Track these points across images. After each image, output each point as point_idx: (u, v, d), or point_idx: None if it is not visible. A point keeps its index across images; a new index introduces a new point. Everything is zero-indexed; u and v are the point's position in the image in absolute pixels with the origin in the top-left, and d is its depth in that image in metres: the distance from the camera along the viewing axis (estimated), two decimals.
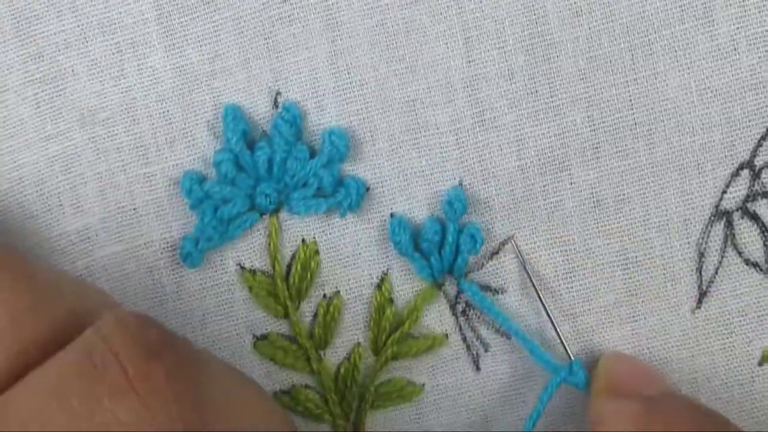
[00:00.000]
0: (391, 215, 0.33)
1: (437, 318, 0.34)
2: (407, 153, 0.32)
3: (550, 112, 0.32)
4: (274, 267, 0.33)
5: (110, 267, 0.33)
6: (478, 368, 0.34)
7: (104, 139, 0.32)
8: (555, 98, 0.32)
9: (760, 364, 0.34)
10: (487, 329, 0.34)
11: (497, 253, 0.33)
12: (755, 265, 0.33)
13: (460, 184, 0.33)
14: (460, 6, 0.31)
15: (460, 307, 0.34)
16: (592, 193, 0.33)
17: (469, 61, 0.32)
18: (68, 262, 0.33)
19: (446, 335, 0.34)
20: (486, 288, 0.33)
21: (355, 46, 0.32)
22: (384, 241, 0.33)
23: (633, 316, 0.33)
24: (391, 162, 0.32)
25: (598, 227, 0.33)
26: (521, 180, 0.33)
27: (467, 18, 0.31)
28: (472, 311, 0.34)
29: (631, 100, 0.32)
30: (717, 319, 0.33)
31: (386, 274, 0.33)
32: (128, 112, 0.32)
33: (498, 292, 0.33)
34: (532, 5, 0.32)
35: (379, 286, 0.33)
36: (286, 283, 0.33)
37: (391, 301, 0.33)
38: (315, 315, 0.34)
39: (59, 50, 0.32)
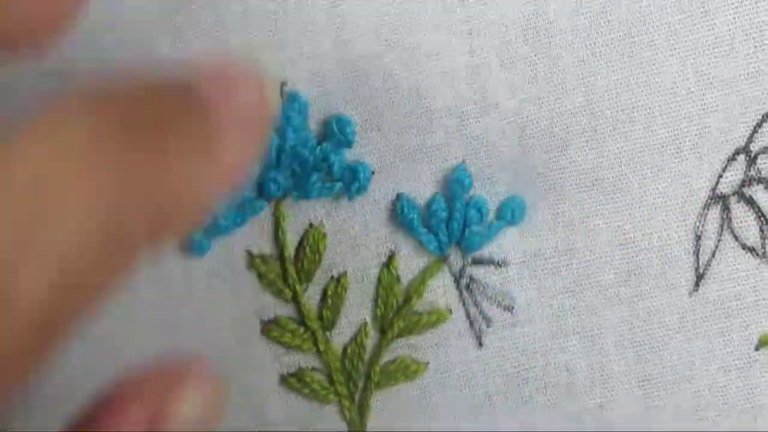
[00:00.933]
0: (398, 195, 0.34)
1: (441, 292, 0.35)
2: (412, 136, 0.34)
3: (550, 96, 0.34)
4: (282, 252, 0.34)
5: None
6: (481, 344, 0.35)
7: None
8: (555, 84, 0.33)
9: (756, 348, 0.34)
10: (490, 303, 0.35)
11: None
12: (752, 249, 0.34)
13: (464, 162, 0.34)
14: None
15: (464, 281, 0.35)
16: (592, 172, 0.34)
17: (471, 51, 0.33)
18: None
19: (450, 310, 0.35)
20: (489, 261, 0.35)
21: (360, 36, 0.33)
22: (391, 221, 0.34)
23: (631, 297, 0.34)
24: (397, 145, 0.34)
25: (597, 206, 0.34)
26: (523, 159, 0.34)
27: (470, 10, 0.33)
28: (475, 285, 0.35)
29: (629, 86, 0.33)
30: (714, 302, 0.34)
31: (394, 253, 0.35)
32: None
33: (501, 266, 0.35)
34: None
35: (387, 265, 0.35)
36: (294, 267, 0.34)
37: (399, 278, 0.35)
38: (323, 297, 0.35)
39: (65, 44, 0.30)
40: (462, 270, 0.35)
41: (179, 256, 0.34)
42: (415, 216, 0.34)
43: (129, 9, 0.33)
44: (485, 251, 0.34)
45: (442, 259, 0.35)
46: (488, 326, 0.35)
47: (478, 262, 0.35)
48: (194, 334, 0.35)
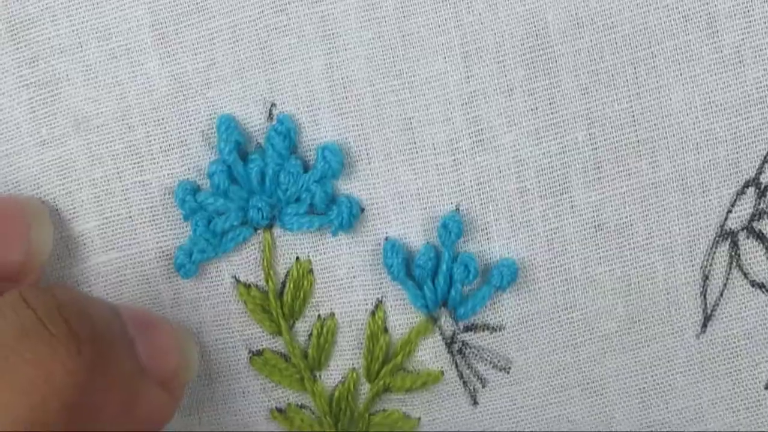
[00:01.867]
0: (386, 239, 0.31)
1: (432, 354, 0.32)
2: (403, 174, 0.31)
3: (550, 129, 0.30)
4: (267, 283, 0.32)
5: (106, 274, 0.32)
6: (475, 402, 0.32)
7: (99, 145, 0.31)
8: (555, 115, 0.30)
9: (766, 387, 0.33)
10: (485, 365, 0.32)
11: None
12: (761, 286, 0.32)
13: (457, 209, 0.31)
14: (458, 19, 0.30)
15: (456, 346, 0.32)
16: (594, 216, 0.31)
17: (468, 77, 0.30)
18: (65, 268, 0.32)
19: (442, 372, 0.32)
20: (484, 327, 0.32)
21: (352, 59, 0.30)
22: (379, 266, 0.31)
23: (635, 344, 0.32)
24: (387, 182, 0.31)
25: (599, 253, 0.31)
26: (520, 204, 0.31)
27: (466, 31, 0.30)
28: (469, 350, 0.32)
29: (633, 117, 0.30)
30: (722, 342, 0.32)
31: (381, 302, 0.32)
32: (123, 120, 0.31)
33: (496, 330, 0.32)
34: (532, 17, 0.30)
35: (373, 314, 0.32)
36: (279, 301, 0.32)
37: (386, 330, 0.32)
38: (310, 335, 0.32)
39: (54, 55, 0.31)
40: (454, 335, 0.32)
41: (168, 277, 0.32)
42: (400, 263, 0.31)
43: (118, 23, 0.31)
44: (478, 316, 0.31)
45: (432, 320, 0.31)
46: (483, 386, 0.32)
47: (471, 329, 0.32)
48: None
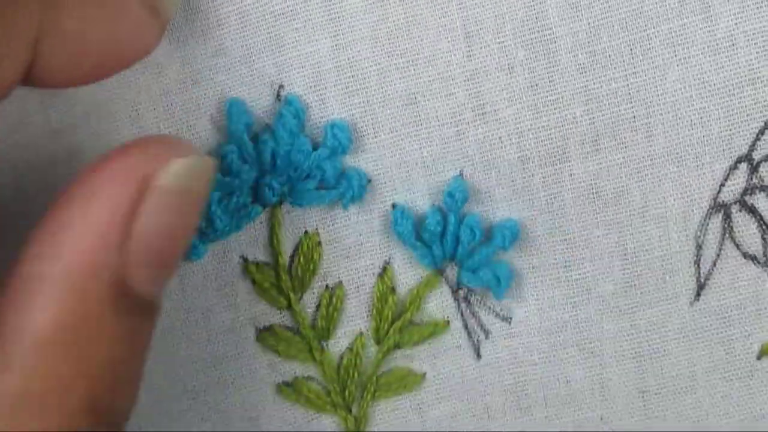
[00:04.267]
0: (393, 206, 0.33)
1: (439, 304, 0.34)
2: (409, 145, 0.33)
3: (549, 105, 0.33)
4: (277, 259, 0.34)
5: None
6: (479, 356, 0.35)
7: (109, 132, 0.33)
8: (554, 91, 0.33)
9: (758, 358, 0.34)
10: (488, 314, 0.34)
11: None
12: (753, 258, 0.33)
13: (461, 175, 0.33)
14: (460, 1, 0.32)
15: (462, 293, 0.34)
16: (592, 184, 0.33)
17: (470, 56, 0.32)
18: None
19: (447, 321, 0.34)
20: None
21: (357, 40, 0.32)
22: (386, 232, 0.34)
23: (631, 308, 0.34)
24: (393, 154, 0.33)
25: (596, 218, 0.33)
26: (521, 171, 0.33)
27: (468, 13, 0.32)
28: (473, 296, 0.34)
29: (630, 94, 0.33)
30: (715, 312, 0.34)
31: (388, 264, 0.34)
32: (133, 106, 0.33)
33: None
34: (532, 0, 0.32)
35: (381, 276, 0.34)
36: (289, 275, 0.34)
37: (393, 290, 0.34)
38: (318, 306, 0.34)
39: None
40: (459, 283, 0.34)
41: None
42: (409, 228, 0.33)
43: None
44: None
45: (438, 272, 0.34)
46: (486, 337, 0.35)
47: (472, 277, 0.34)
48: (188, 339, 0.34)
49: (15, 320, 0.25)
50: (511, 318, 0.34)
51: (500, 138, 0.33)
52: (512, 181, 0.33)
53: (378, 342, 0.35)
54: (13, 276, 0.25)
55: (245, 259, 0.34)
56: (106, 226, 0.25)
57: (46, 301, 0.25)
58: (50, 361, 0.25)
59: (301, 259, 0.34)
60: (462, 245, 0.33)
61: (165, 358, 0.34)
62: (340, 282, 0.34)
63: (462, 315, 0.34)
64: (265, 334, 0.34)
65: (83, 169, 0.26)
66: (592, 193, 0.33)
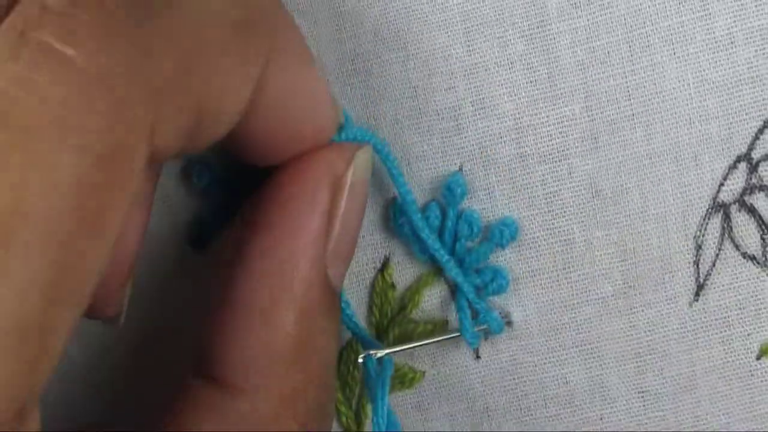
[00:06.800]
0: (392, 200, 0.33)
1: (438, 303, 0.34)
2: (409, 138, 0.33)
3: (549, 101, 0.33)
4: None
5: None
6: (478, 356, 0.34)
7: None
8: (554, 88, 0.33)
9: (758, 358, 0.34)
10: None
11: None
12: (752, 258, 0.33)
13: (461, 170, 0.33)
14: None
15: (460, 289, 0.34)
16: (591, 182, 0.33)
17: (469, 50, 0.33)
18: None
19: (447, 321, 0.34)
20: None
21: (359, 35, 0.33)
22: (386, 226, 0.34)
23: (631, 308, 0.34)
24: (393, 147, 0.33)
25: (596, 218, 0.33)
26: (520, 167, 0.33)
27: (468, 8, 0.32)
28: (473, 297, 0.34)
29: (628, 91, 0.33)
30: (714, 312, 0.34)
31: (388, 259, 0.34)
32: None
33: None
34: None
35: (381, 271, 0.34)
36: None
37: (393, 285, 0.34)
38: None
39: None
40: (458, 281, 0.34)
41: (179, 251, 0.33)
42: (409, 222, 0.33)
43: None
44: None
45: (438, 270, 0.34)
46: (485, 338, 0.34)
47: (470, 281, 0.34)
48: (193, 327, 0.33)
49: (252, 342, 0.25)
50: (510, 321, 0.34)
51: (500, 133, 0.33)
52: (511, 177, 0.33)
53: (378, 338, 0.34)
54: (240, 296, 0.26)
55: None
56: (319, 235, 0.27)
57: (284, 321, 0.26)
58: (291, 377, 0.25)
59: None
60: (460, 241, 0.33)
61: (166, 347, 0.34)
62: None
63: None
64: None
65: (281, 181, 0.27)
66: (591, 192, 0.33)
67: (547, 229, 0.33)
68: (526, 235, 0.33)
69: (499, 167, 0.33)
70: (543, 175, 0.33)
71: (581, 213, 0.33)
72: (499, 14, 0.32)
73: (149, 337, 0.34)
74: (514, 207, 0.33)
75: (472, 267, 0.33)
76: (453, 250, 0.34)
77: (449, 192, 0.33)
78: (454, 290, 0.34)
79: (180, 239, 0.34)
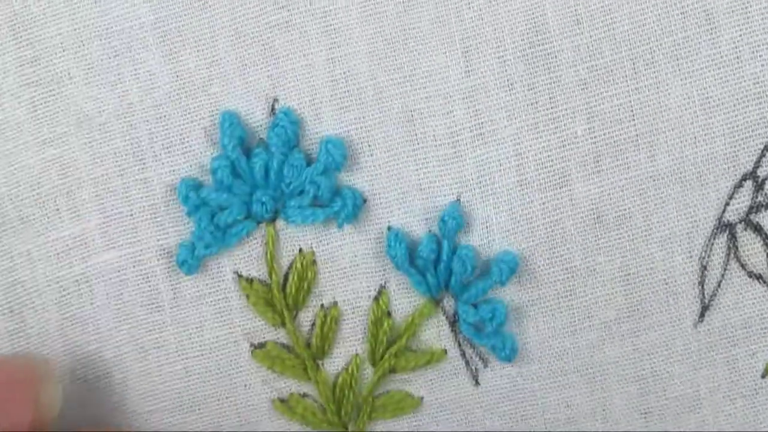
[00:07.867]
0: (389, 228, 0.32)
1: (436, 333, 0.33)
2: (405, 165, 0.32)
3: (550, 123, 0.31)
4: (271, 276, 0.33)
5: (107, 273, 0.32)
6: (477, 383, 0.33)
7: (101, 143, 0.32)
8: (555, 109, 0.31)
9: (763, 376, 0.33)
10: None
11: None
12: (758, 277, 0.32)
13: (458, 200, 0.32)
14: (459, 14, 0.31)
15: (459, 325, 0.33)
16: (593, 208, 0.32)
17: (468, 71, 0.31)
18: (65, 267, 0.32)
19: (445, 351, 0.33)
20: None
21: (353, 54, 0.31)
22: (382, 254, 0.32)
23: (634, 332, 0.33)
24: (389, 173, 0.32)
25: (599, 244, 0.32)
26: (520, 197, 0.32)
27: (466, 26, 0.31)
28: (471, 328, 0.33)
29: (632, 111, 0.31)
30: (719, 332, 0.33)
31: (384, 287, 0.33)
32: (125, 117, 0.32)
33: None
34: (532, 13, 0.31)
35: (376, 299, 0.33)
36: (283, 293, 0.33)
37: (389, 314, 0.33)
38: (313, 325, 0.33)
39: (56, 54, 0.32)
40: (456, 314, 0.33)
41: (168, 275, 0.33)
42: (404, 253, 0.32)
43: (120, 21, 0.32)
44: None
45: (435, 301, 0.33)
46: (485, 366, 0.33)
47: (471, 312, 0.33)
48: (181, 353, 0.33)
49: None
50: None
51: (499, 160, 0.31)
52: (510, 207, 0.32)
53: (373, 364, 0.34)
54: None
55: (239, 275, 0.33)
56: None
57: None
58: None
59: (295, 277, 0.33)
60: (455, 276, 0.32)
61: (159, 372, 0.33)
62: (336, 302, 0.33)
63: (459, 345, 0.33)
64: (260, 352, 0.33)
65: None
66: (594, 219, 0.32)
67: (548, 258, 0.32)
68: (526, 265, 0.32)
69: (498, 197, 0.32)
70: (543, 204, 0.32)
71: (583, 240, 0.32)
72: (498, 32, 0.31)
73: None
74: (514, 240, 0.32)
75: (469, 303, 0.32)
76: (449, 284, 0.32)
77: (444, 223, 0.32)
78: (453, 322, 0.33)
79: (169, 259, 0.32)
